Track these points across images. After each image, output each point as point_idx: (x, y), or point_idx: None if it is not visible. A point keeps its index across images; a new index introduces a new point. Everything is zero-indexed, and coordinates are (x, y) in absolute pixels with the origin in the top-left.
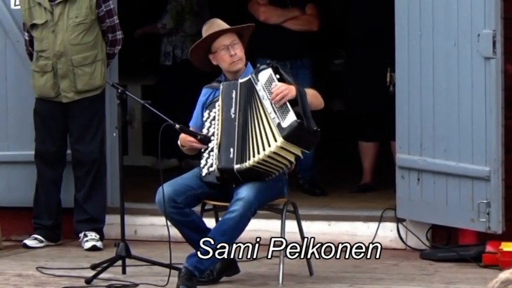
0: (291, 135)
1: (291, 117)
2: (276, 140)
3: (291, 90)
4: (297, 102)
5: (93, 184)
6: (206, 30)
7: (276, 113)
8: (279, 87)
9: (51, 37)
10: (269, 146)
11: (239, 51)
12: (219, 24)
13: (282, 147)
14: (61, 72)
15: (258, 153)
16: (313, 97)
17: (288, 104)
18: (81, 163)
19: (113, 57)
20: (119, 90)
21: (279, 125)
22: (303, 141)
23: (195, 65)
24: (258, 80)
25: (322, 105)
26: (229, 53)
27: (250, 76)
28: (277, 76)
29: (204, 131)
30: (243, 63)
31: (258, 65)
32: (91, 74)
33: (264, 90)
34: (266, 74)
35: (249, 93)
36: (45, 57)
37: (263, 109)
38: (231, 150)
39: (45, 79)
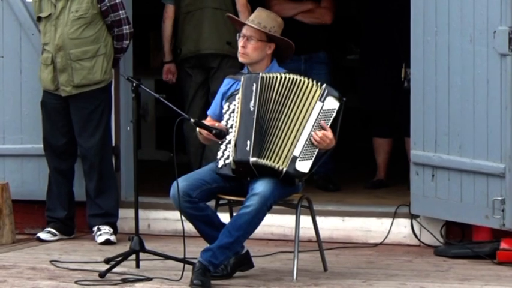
0: (291, 177)
1: (305, 166)
2: (282, 164)
3: (329, 145)
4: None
5: (100, 178)
6: (254, 13)
7: (303, 145)
8: (327, 135)
9: (52, 31)
10: (277, 162)
11: (250, 47)
12: (261, 16)
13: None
14: (60, 65)
15: (270, 159)
16: None
17: (316, 151)
18: (84, 157)
19: (121, 51)
20: (134, 84)
21: (293, 159)
22: (294, 183)
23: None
24: (323, 101)
25: None
26: (241, 43)
27: (324, 85)
28: (335, 115)
29: (223, 123)
30: (248, 61)
31: (328, 87)
32: (90, 68)
33: (318, 116)
34: (332, 104)
35: (293, 89)
36: (47, 51)
37: (300, 123)
38: (248, 143)
39: (47, 72)
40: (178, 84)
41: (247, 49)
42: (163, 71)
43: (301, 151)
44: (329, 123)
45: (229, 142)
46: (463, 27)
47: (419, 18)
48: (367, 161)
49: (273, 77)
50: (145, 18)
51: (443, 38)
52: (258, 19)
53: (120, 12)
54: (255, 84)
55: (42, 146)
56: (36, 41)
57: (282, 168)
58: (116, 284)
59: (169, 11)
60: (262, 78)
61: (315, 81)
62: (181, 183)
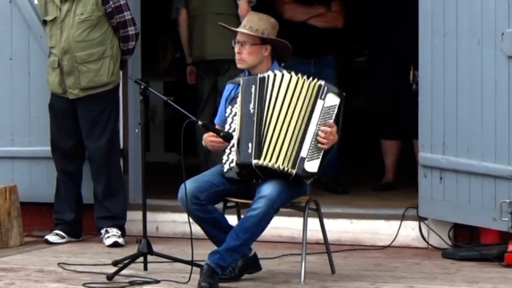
0: (302, 178)
1: (314, 166)
2: (288, 165)
3: (334, 143)
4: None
5: (108, 181)
6: (246, 18)
7: (309, 145)
8: (332, 133)
9: (58, 34)
10: (282, 164)
11: (245, 52)
12: (253, 19)
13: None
14: (66, 68)
15: (276, 161)
16: None
17: (322, 150)
18: (91, 159)
19: (127, 53)
20: (142, 87)
21: (301, 160)
22: (303, 184)
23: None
24: (324, 99)
25: None
26: (237, 49)
27: (322, 83)
28: (337, 111)
29: (227, 127)
30: (245, 66)
31: (327, 84)
32: (96, 71)
33: (320, 114)
34: (333, 100)
35: (290, 88)
36: (54, 54)
37: (302, 123)
38: (250, 145)
39: (55, 75)
40: (193, 87)
41: (242, 55)
42: (186, 73)
43: (308, 151)
44: (332, 119)
45: (233, 145)
46: (471, 29)
47: (427, 20)
48: (375, 163)
49: (267, 76)
50: (154, 20)
51: (451, 40)
52: (250, 23)
53: (125, 13)
54: (253, 86)
55: (50, 148)
56: (44, 43)
57: (291, 171)
58: (123, 287)
59: (183, 14)
60: (260, 79)
61: (310, 78)
62: (189, 185)
